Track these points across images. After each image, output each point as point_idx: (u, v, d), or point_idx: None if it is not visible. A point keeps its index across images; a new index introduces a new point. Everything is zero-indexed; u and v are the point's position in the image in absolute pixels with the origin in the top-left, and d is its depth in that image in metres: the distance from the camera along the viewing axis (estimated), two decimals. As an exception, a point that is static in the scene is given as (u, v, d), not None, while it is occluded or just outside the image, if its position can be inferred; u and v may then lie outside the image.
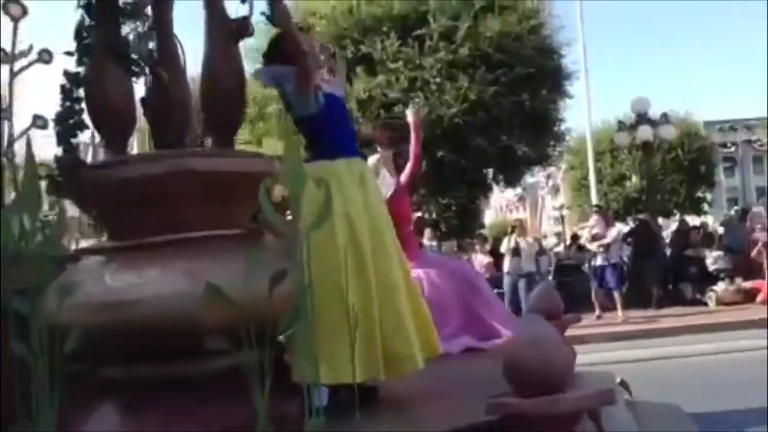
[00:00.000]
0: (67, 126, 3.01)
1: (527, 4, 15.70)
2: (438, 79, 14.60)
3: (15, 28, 3.67)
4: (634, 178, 19.48)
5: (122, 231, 3.02)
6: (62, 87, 3.05)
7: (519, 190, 21.81)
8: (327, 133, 3.46)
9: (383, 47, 14.91)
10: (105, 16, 3.11)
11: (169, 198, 2.97)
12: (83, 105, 3.09)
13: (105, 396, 2.92)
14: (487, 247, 15.52)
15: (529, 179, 24.71)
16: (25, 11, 3.67)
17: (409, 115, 5.46)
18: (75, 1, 3.13)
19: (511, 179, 17.60)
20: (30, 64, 3.70)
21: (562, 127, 16.83)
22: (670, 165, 22.86)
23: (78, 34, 3.07)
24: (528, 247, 15.04)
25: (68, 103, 3.02)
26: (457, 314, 5.05)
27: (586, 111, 19.50)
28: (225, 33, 3.21)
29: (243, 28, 3.24)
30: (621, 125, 16.90)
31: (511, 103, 14.85)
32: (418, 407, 3.41)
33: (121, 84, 3.15)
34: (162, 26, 3.46)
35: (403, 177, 5.48)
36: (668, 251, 16.11)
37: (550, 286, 4.97)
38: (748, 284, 14.31)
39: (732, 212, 17.32)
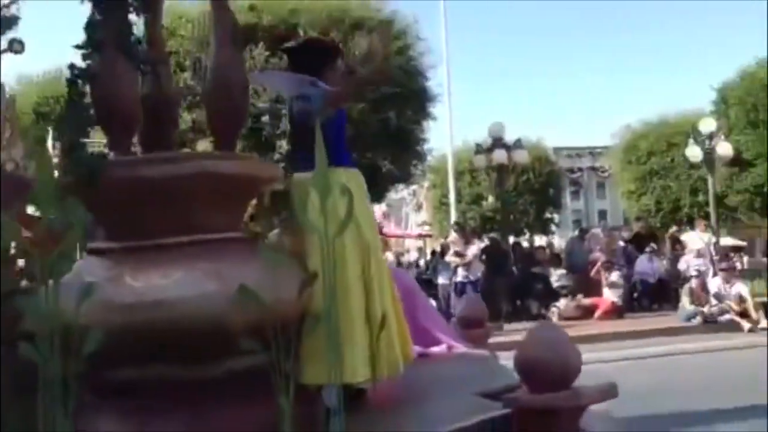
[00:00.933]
0: (74, 122, 2.91)
1: (395, 25, 16.22)
2: (306, 92, 14.74)
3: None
4: (490, 198, 20.51)
5: (135, 231, 2.94)
6: (69, 81, 2.94)
7: (384, 206, 22.41)
8: (332, 142, 3.51)
9: (252, 56, 14.84)
10: (114, 11, 3.03)
11: (187, 199, 2.94)
12: (88, 100, 3.00)
13: (120, 398, 2.84)
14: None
15: (394, 195, 25.51)
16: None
17: None
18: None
19: (376, 195, 18.02)
20: (-1, 53, 3.50)
21: (425, 146, 17.53)
22: (522, 187, 24.42)
23: (88, 28, 2.97)
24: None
25: (75, 99, 2.92)
26: (404, 322, 5.21)
27: (448, 132, 20.34)
28: (231, 39, 3.22)
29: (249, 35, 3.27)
30: (479, 148, 17.59)
31: (377, 121, 15.27)
32: (415, 407, 3.53)
33: (130, 81, 3.08)
34: (153, 18, 3.41)
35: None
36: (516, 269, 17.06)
37: (477, 297, 5.27)
38: (587, 301, 15.36)
39: (576, 233, 18.59)
